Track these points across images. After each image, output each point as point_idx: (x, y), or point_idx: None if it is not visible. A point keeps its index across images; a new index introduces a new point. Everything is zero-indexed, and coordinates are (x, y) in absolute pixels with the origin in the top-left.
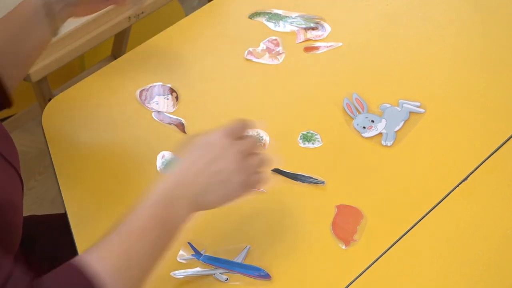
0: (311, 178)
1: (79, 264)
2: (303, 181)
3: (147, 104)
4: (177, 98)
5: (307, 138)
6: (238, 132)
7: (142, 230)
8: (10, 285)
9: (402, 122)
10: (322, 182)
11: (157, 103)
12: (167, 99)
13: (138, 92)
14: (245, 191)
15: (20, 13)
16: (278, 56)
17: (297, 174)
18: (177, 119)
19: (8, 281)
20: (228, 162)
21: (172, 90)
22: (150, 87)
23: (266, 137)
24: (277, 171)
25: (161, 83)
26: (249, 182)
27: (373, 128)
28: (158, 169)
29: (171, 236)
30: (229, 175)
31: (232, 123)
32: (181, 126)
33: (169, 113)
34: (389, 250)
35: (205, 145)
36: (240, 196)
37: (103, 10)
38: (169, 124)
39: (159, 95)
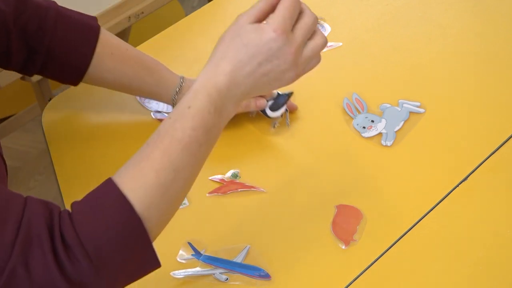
0: None
1: (112, 184)
2: None
3: (146, 104)
4: None
5: None
6: (294, 18)
7: (184, 144)
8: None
9: (402, 122)
10: None
11: (157, 103)
12: None
13: None
14: (295, 80)
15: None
16: None
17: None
18: None
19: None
20: (282, 62)
21: None
22: None
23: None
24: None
25: None
26: (299, 74)
27: (373, 128)
28: None
29: (214, 141)
30: (281, 73)
31: (285, 8)
32: None
33: (169, 113)
34: (389, 250)
35: (259, 43)
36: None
37: (103, 10)
38: None
39: None
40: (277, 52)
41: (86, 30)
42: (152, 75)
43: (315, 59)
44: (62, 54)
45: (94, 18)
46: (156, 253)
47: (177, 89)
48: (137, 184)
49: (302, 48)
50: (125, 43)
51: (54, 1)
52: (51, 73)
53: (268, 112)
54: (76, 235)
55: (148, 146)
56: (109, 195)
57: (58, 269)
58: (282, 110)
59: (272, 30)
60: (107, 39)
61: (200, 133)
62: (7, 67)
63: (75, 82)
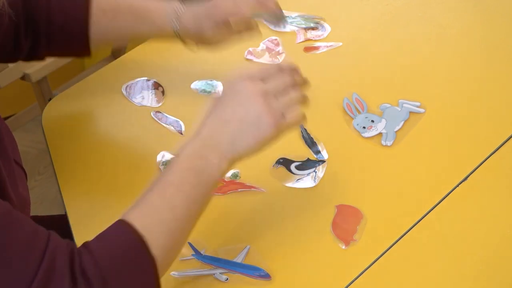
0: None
1: (124, 223)
2: None
3: (133, 99)
4: (163, 92)
5: None
6: (265, 75)
7: (177, 184)
8: (52, 245)
9: (402, 122)
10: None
11: (142, 97)
12: (152, 93)
13: (124, 86)
14: (277, 132)
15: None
16: (278, 56)
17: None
18: (175, 120)
19: (49, 242)
20: (253, 105)
21: (157, 85)
22: (135, 82)
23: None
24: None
25: (145, 78)
26: (279, 123)
27: (373, 128)
28: (159, 168)
29: (207, 187)
30: (256, 118)
31: (257, 69)
32: (179, 127)
33: (168, 114)
34: (389, 250)
35: (230, 92)
36: (273, 138)
37: None
38: (167, 124)
39: (144, 89)
40: (247, 96)
41: None
42: (144, 23)
43: (292, 112)
44: (61, 24)
45: None
46: None
47: (174, 20)
48: (144, 221)
49: (272, 96)
50: None
51: None
52: (59, 48)
53: (293, 169)
54: (97, 268)
55: (147, 191)
56: (122, 232)
57: None
58: (309, 171)
59: (238, 78)
60: None
61: (191, 175)
62: (17, 57)
63: (85, 52)
